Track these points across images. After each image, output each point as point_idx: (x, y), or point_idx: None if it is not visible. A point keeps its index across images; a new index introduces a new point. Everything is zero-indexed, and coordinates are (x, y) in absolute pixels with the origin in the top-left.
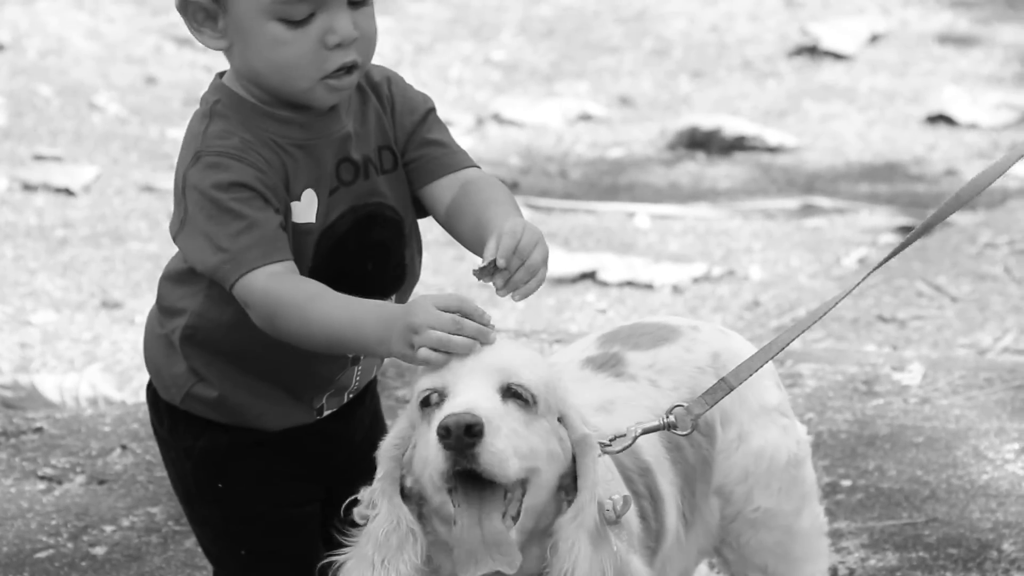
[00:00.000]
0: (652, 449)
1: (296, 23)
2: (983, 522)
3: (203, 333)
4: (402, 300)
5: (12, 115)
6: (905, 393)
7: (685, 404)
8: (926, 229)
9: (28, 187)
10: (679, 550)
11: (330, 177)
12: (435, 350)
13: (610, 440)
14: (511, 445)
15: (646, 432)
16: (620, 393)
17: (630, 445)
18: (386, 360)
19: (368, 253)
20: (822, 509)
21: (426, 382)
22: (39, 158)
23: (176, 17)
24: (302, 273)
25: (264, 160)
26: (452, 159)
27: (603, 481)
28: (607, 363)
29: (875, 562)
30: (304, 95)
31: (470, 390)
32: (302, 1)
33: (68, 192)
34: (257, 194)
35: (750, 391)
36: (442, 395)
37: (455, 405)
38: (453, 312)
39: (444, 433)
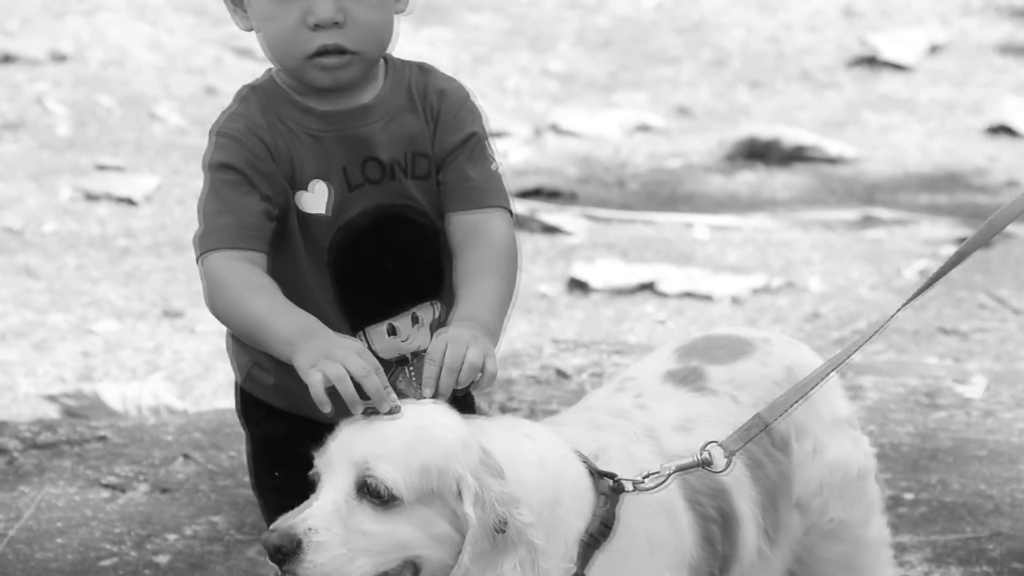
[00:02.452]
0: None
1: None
2: None
3: None
4: (449, 305)
5: (75, 125)
6: (968, 406)
7: (719, 441)
8: (982, 239)
9: (90, 197)
10: (765, 569)
11: (352, 173)
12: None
13: (643, 477)
14: (348, 550)
15: (680, 470)
16: (701, 410)
17: (663, 483)
18: None
19: (387, 252)
20: (885, 520)
21: (316, 459)
22: (101, 168)
23: (235, 28)
24: (319, 264)
25: (264, 146)
26: (476, 196)
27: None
28: (688, 377)
29: None
30: (298, 74)
31: (325, 489)
32: None
33: (130, 202)
34: (245, 179)
35: (823, 403)
36: (318, 480)
37: (287, 518)
38: (373, 370)
39: (264, 549)
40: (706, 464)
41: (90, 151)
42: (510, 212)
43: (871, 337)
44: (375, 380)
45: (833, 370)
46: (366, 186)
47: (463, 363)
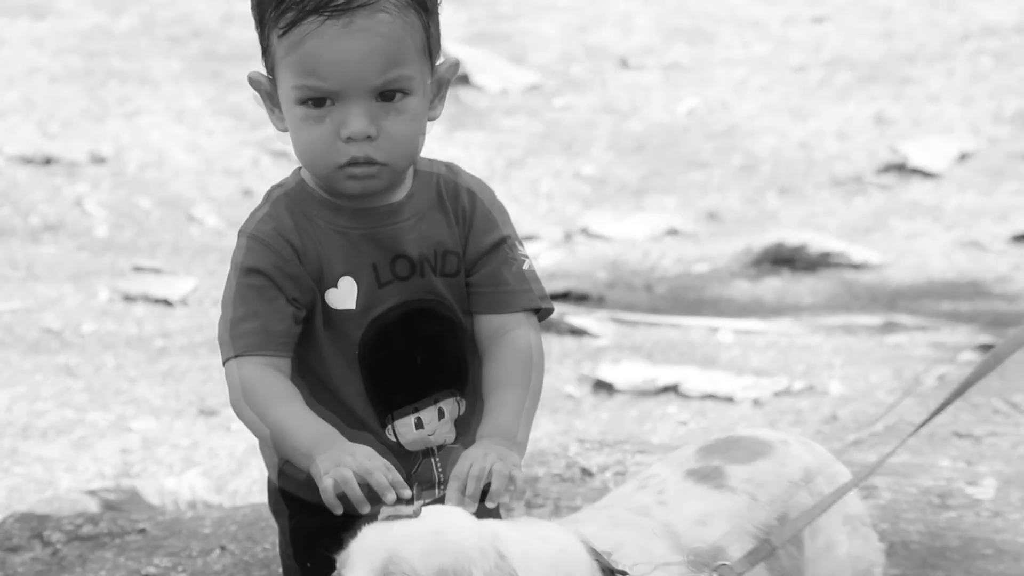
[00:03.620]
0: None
1: (317, 110)
2: None
3: None
4: (472, 402)
5: (113, 227)
6: (977, 506)
7: (729, 563)
8: (1003, 356)
9: (128, 298)
10: None
11: (382, 270)
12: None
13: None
14: None
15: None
16: (720, 506)
17: None
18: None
19: (416, 346)
20: None
21: (338, 562)
22: (139, 269)
23: (272, 131)
24: (347, 358)
25: (291, 248)
26: (509, 299)
27: None
28: (709, 475)
29: None
30: (327, 182)
31: None
32: (317, 88)
33: (167, 303)
34: (272, 283)
35: (837, 502)
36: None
37: None
38: (378, 469)
39: None
40: None
41: (128, 253)
42: (540, 309)
43: (887, 459)
44: (378, 477)
45: (841, 495)
46: (395, 282)
47: (489, 472)
